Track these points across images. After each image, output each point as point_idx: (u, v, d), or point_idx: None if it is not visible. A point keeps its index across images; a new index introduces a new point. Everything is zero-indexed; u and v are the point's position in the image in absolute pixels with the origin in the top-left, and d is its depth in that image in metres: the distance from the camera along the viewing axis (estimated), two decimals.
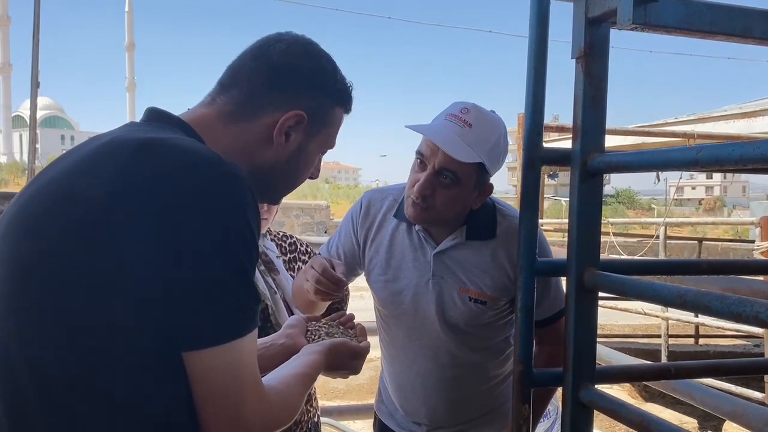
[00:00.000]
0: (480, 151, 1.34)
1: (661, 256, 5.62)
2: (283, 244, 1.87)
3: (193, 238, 0.73)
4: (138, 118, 0.95)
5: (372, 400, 1.85)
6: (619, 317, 7.29)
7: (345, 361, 1.09)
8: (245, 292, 0.77)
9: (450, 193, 1.37)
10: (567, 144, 1.04)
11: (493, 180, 1.47)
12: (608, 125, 1.04)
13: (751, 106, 8.74)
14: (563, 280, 1.33)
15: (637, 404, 4.44)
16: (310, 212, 16.76)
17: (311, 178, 1.04)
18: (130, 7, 40.73)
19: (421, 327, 1.50)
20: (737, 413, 1.81)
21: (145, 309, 0.72)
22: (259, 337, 1.20)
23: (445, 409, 1.55)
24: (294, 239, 1.93)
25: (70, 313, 0.73)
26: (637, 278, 1.00)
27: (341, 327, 1.19)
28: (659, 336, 5.87)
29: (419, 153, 1.40)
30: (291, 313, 1.76)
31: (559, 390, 1.08)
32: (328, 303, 1.54)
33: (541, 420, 2.30)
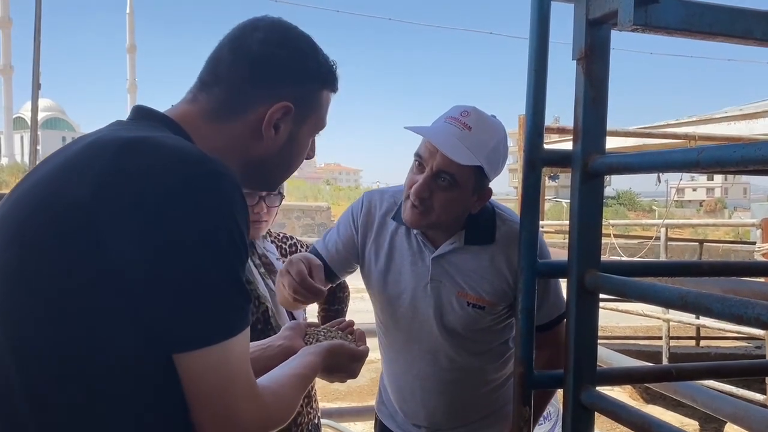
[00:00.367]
0: (479, 155, 1.33)
1: (662, 258, 5.62)
2: (284, 246, 1.87)
3: (179, 237, 0.72)
4: None
5: (373, 402, 1.85)
6: (620, 319, 7.28)
7: (343, 363, 1.08)
8: (235, 292, 0.76)
9: (448, 195, 1.36)
10: (568, 145, 1.04)
11: (493, 182, 1.46)
12: (609, 126, 1.04)
13: (752, 108, 8.74)
14: (562, 285, 1.33)
15: (638, 406, 4.44)
16: (311, 214, 16.78)
17: (307, 158, 1.02)
18: (131, 9, 40.77)
19: (419, 331, 1.50)
20: (738, 415, 1.81)
21: (133, 311, 0.72)
22: (259, 340, 1.20)
23: (444, 411, 1.55)
24: (295, 241, 1.93)
25: (58, 315, 0.72)
26: (638, 280, 1.00)
27: (340, 332, 1.19)
28: (660, 338, 5.86)
29: (417, 155, 1.39)
30: (292, 315, 1.76)
31: (560, 392, 1.08)
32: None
33: (542, 422, 2.30)
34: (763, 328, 0.72)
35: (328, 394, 5.07)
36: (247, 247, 0.79)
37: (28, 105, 7.62)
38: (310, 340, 1.14)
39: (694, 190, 62.06)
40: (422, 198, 1.36)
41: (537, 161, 1.06)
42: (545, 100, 1.04)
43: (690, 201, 57.07)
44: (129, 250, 0.71)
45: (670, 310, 5.04)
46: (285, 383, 0.90)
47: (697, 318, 5.39)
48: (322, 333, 1.16)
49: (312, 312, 1.97)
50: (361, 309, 2.08)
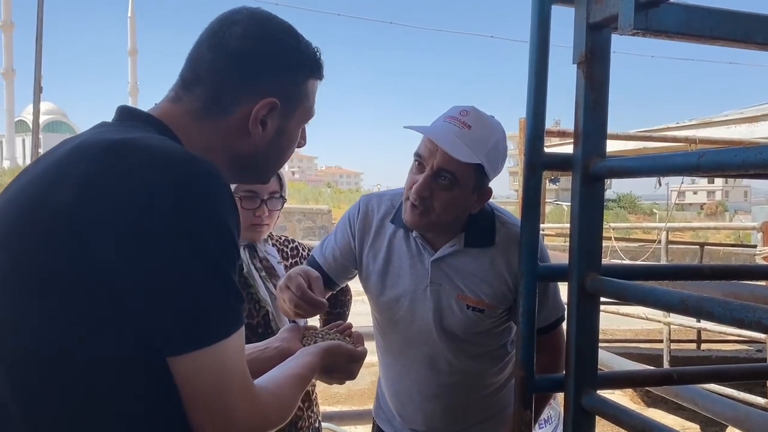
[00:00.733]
0: (479, 153, 1.33)
1: (663, 261, 5.61)
2: (285, 249, 1.87)
3: (166, 240, 0.71)
4: None
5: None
6: (621, 322, 7.27)
7: (340, 363, 1.07)
8: (226, 292, 0.75)
9: (448, 195, 1.36)
10: (569, 149, 1.04)
11: (494, 185, 1.46)
12: (609, 130, 1.04)
13: (753, 111, 8.73)
14: (562, 289, 1.33)
15: (639, 410, 4.43)
16: (311, 217, 16.78)
17: (298, 147, 1.00)
18: (133, 12, 40.86)
19: (417, 334, 1.49)
20: (739, 419, 1.81)
21: (125, 315, 0.71)
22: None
23: (442, 415, 1.54)
24: (296, 244, 1.93)
25: (48, 321, 0.72)
26: (638, 283, 1.00)
27: (339, 335, 1.19)
28: (661, 341, 5.85)
29: (417, 155, 1.39)
30: (293, 319, 1.76)
31: (561, 395, 1.08)
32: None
33: (543, 425, 2.29)
34: (764, 332, 0.72)
35: (329, 397, 5.06)
36: (238, 246, 0.78)
37: (30, 108, 7.63)
38: (308, 342, 1.13)
39: (695, 193, 62.02)
40: (422, 197, 1.36)
41: (537, 164, 1.06)
42: (546, 103, 1.04)
43: (691, 204, 57.02)
44: (117, 254, 0.70)
45: (671, 314, 5.03)
46: (283, 383, 0.90)
47: (698, 321, 5.38)
48: (320, 335, 1.16)
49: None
50: (362, 312, 2.07)
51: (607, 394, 1.07)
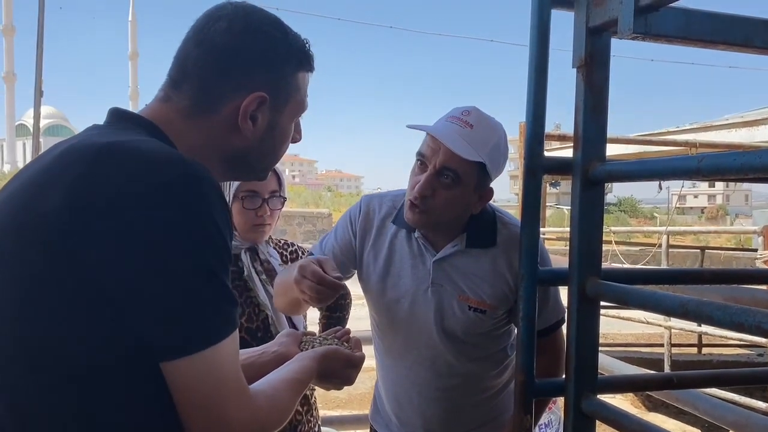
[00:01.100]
0: (481, 151, 1.34)
1: (664, 265, 5.60)
2: (285, 252, 1.87)
3: (156, 245, 0.71)
4: None
5: None
6: (621, 326, 7.26)
7: (338, 368, 1.06)
8: (218, 296, 0.75)
9: (450, 193, 1.36)
10: (569, 153, 1.04)
11: (494, 188, 1.46)
12: (609, 134, 1.04)
13: (753, 115, 8.74)
14: (562, 292, 1.33)
15: (640, 414, 4.42)
16: (312, 220, 16.81)
17: (294, 142, 0.99)
18: (134, 16, 40.97)
19: (418, 335, 1.49)
20: (740, 423, 1.80)
21: (116, 321, 0.71)
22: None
23: (440, 419, 1.53)
24: (295, 247, 1.93)
25: (36, 329, 0.71)
26: (638, 287, 1.00)
27: (337, 340, 1.18)
28: (662, 345, 5.84)
29: (420, 154, 1.39)
30: (291, 322, 1.76)
31: (562, 399, 1.08)
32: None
33: (543, 429, 2.29)
34: (763, 336, 0.72)
35: (328, 402, 5.05)
36: (230, 248, 0.78)
37: (31, 112, 7.64)
38: (306, 347, 1.13)
39: (696, 197, 62.00)
40: (424, 196, 1.36)
41: (537, 168, 1.06)
42: (545, 107, 1.04)
43: (692, 208, 57.02)
44: (105, 259, 0.70)
45: (672, 318, 5.02)
46: (279, 387, 0.89)
47: (699, 325, 5.37)
48: (318, 341, 1.15)
49: (312, 319, 1.97)
50: (362, 316, 2.07)
51: (608, 398, 1.07)
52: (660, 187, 6.12)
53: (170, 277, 0.71)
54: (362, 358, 1.11)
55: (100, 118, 0.90)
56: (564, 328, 1.29)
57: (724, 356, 6.64)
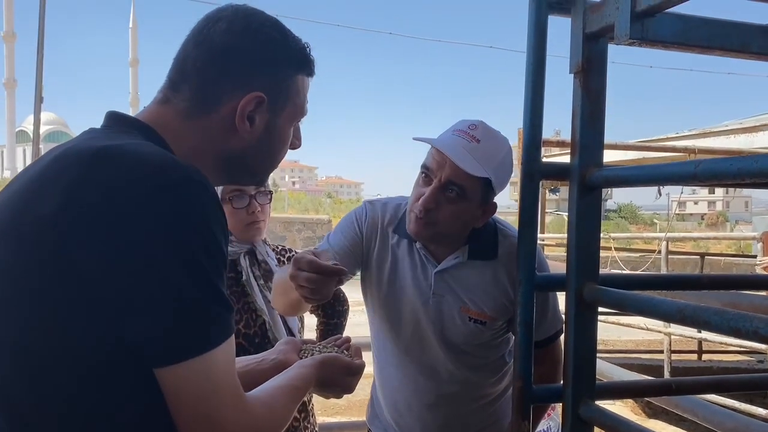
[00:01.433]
0: (487, 167, 1.33)
1: (663, 271, 5.60)
2: (283, 258, 1.87)
3: (150, 250, 0.70)
4: None
5: None
6: (621, 332, 7.25)
7: (337, 376, 1.05)
8: (212, 301, 0.74)
9: (454, 208, 1.36)
10: (568, 159, 1.04)
11: (495, 198, 1.46)
12: (608, 140, 1.04)
13: (752, 121, 8.76)
14: (561, 302, 1.32)
15: (639, 421, 4.41)
16: (311, 227, 16.79)
17: (293, 148, 0.98)
18: (134, 23, 41.11)
19: (419, 344, 1.49)
20: (740, 430, 1.79)
21: (111, 327, 0.70)
22: (256, 353, 1.18)
23: (440, 426, 1.53)
24: (293, 253, 1.93)
25: (37, 333, 0.71)
26: (636, 293, 1.00)
27: (336, 348, 1.18)
28: (662, 351, 5.83)
29: (425, 167, 1.38)
30: (288, 328, 1.75)
31: (560, 405, 1.07)
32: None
33: None
34: (761, 342, 0.72)
35: (327, 408, 5.04)
36: (225, 253, 0.77)
37: (31, 118, 7.65)
38: (305, 355, 1.12)
39: (696, 203, 62.05)
40: (428, 209, 1.35)
41: (535, 174, 1.06)
42: (543, 113, 1.05)
43: (691, 214, 57.02)
44: (100, 263, 0.69)
45: (672, 324, 5.02)
46: (276, 395, 0.88)
47: (699, 332, 5.36)
48: (317, 349, 1.15)
49: (310, 325, 1.97)
50: (360, 322, 2.06)
51: (608, 405, 1.07)
52: (659, 194, 6.11)
53: (164, 283, 0.71)
54: (362, 366, 1.10)
55: (100, 125, 0.90)
56: (562, 337, 1.29)
57: (724, 363, 6.63)
